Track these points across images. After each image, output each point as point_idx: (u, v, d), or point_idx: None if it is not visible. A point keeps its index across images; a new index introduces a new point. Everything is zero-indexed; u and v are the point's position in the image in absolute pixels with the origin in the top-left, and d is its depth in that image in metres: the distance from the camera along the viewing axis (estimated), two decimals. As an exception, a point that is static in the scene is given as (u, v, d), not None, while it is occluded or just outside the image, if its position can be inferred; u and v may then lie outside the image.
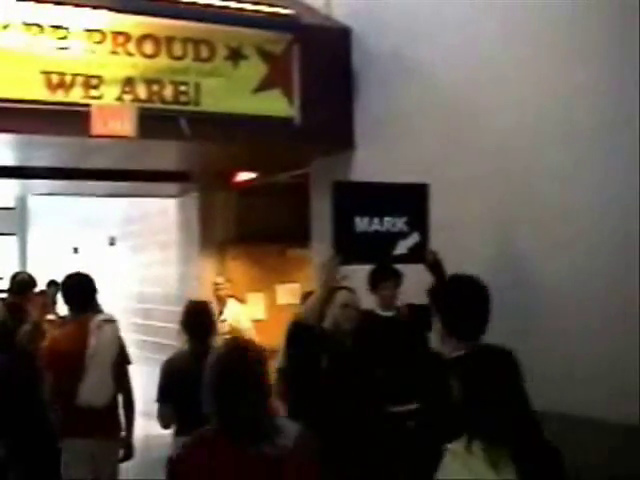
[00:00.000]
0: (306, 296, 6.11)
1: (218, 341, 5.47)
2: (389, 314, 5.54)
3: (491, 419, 2.76)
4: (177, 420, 5.20)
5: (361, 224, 4.92)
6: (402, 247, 5.05)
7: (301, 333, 4.61)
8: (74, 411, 5.36)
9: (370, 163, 6.72)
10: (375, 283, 5.53)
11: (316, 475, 2.94)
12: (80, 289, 5.73)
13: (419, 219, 5.12)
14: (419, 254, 5.11)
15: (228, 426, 2.86)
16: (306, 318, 4.67)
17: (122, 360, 5.68)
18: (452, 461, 2.78)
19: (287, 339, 5.06)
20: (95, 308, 5.88)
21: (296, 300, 7.44)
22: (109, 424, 5.53)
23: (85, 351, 5.38)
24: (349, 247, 4.80)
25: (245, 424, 2.83)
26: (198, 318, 5.40)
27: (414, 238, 5.09)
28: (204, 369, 2.95)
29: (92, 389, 5.34)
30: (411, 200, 5.14)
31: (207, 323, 5.41)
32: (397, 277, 5.50)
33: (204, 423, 2.95)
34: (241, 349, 3.01)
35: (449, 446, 2.81)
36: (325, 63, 6.90)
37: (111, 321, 5.61)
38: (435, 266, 5.20)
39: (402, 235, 5.06)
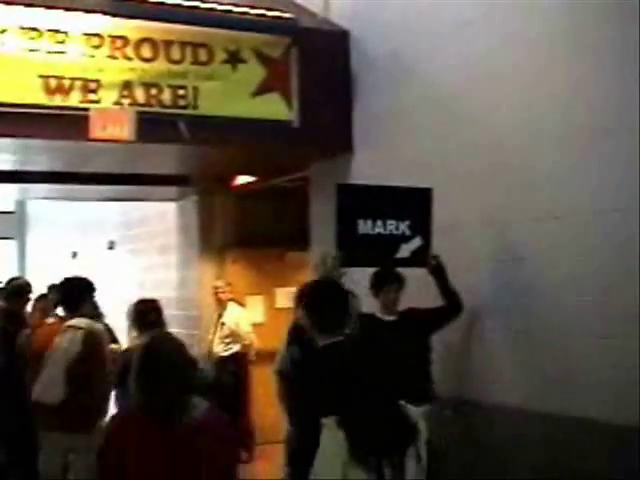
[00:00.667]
0: (299, 296, 6.11)
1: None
2: (391, 318, 5.51)
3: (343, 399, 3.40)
4: None
5: (364, 227, 4.94)
6: (405, 251, 5.06)
7: (301, 335, 4.60)
8: (46, 406, 5.52)
9: (369, 166, 6.72)
10: (378, 287, 5.48)
11: (226, 443, 3.31)
12: (69, 293, 5.89)
13: (422, 223, 5.13)
14: (421, 258, 5.12)
15: (146, 404, 3.22)
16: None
17: (88, 362, 5.71)
18: (326, 433, 3.37)
19: (288, 341, 5.06)
20: (85, 311, 5.89)
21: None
22: (79, 418, 5.60)
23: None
24: (352, 249, 4.81)
25: (160, 403, 3.21)
26: (146, 315, 5.88)
27: (417, 242, 5.10)
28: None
29: (42, 387, 5.51)
30: (415, 204, 5.16)
31: (154, 319, 5.85)
32: (400, 281, 5.45)
33: None
34: (163, 341, 3.43)
35: (323, 420, 3.42)
36: (324, 66, 6.89)
37: (78, 328, 5.67)
38: (437, 270, 5.20)
39: (405, 239, 5.06)
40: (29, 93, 5.81)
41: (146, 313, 5.93)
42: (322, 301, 4.19)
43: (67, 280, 6.04)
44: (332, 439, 3.36)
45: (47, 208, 15.62)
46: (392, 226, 5.03)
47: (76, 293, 5.86)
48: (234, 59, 6.47)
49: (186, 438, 3.16)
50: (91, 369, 5.71)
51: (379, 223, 4.99)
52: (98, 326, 5.94)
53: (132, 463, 3.16)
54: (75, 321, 5.72)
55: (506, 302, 5.28)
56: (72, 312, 5.76)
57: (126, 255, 12.47)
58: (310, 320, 4.12)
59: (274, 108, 6.64)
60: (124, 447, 3.19)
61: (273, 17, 6.72)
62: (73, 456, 5.57)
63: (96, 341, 5.77)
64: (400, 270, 5.39)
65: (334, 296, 4.21)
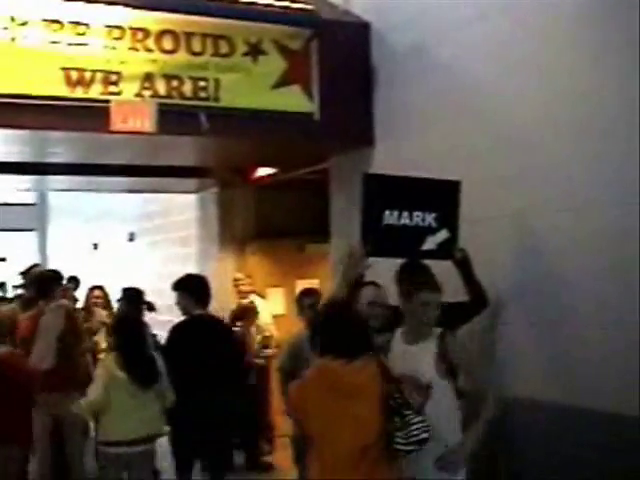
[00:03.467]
0: (302, 295, 6.31)
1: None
2: None
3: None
4: None
5: (390, 217, 4.89)
6: (430, 243, 5.01)
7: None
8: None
9: (389, 158, 6.68)
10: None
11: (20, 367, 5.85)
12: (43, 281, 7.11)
13: (449, 215, 5.06)
14: (447, 250, 5.06)
15: None
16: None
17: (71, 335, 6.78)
18: (100, 364, 5.55)
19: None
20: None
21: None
22: (67, 381, 6.54)
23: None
24: (377, 240, 4.77)
25: None
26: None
27: (443, 234, 5.04)
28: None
29: (36, 355, 6.42)
30: (442, 196, 5.08)
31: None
32: None
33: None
34: None
35: (100, 356, 5.31)
36: (344, 58, 6.86)
37: (60, 305, 6.87)
38: (463, 263, 5.15)
39: (431, 230, 5.01)
40: (50, 85, 5.83)
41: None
42: (189, 285, 6.12)
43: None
44: (104, 365, 5.48)
45: (68, 200, 15.70)
46: (418, 217, 4.97)
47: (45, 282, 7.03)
48: (255, 51, 6.46)
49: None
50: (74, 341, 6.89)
51: (405, 214, 4.93)
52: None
53: None
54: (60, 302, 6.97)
55: (526, 294, 5.26)
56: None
57: (146, 247, 12.51)
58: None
59: (295, 100, 6.63)
60: None
61: (294, 9, 6.70)
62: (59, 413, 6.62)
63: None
64: (426, 262, 5.36)
65: (197, 282, 6.28)
